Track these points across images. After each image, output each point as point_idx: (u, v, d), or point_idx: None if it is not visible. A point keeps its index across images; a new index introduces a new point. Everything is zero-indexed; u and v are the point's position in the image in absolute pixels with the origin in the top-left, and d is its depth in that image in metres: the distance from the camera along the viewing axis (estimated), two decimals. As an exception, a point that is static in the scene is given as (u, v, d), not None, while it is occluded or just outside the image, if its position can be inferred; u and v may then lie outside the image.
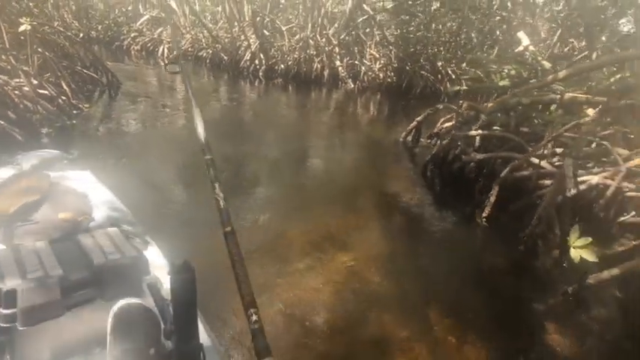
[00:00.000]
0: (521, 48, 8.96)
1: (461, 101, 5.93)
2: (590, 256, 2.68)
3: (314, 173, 5.93)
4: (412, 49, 13.65)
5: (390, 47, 14.14)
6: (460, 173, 5.26)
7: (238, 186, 4.75)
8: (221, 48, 15.16)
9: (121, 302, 1.00)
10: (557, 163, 4.77)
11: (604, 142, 4.29)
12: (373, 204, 4.88)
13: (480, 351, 2.60)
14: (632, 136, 4.73)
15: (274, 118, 9.11)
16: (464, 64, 12.48)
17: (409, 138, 7.01)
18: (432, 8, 13.30)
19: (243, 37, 14.27)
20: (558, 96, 4.70)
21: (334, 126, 9.01)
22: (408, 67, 13.38)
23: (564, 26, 10.28)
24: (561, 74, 4.64)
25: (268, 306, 2.70)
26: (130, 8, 19.03)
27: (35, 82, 6.17)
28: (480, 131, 5.29)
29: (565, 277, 3.18)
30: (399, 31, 14.04)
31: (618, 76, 6.08)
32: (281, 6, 16.56)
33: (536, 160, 4.32)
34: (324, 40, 13.61)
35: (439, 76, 13.35)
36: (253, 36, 13.94)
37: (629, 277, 3.07)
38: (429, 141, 6.89)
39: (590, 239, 2.76)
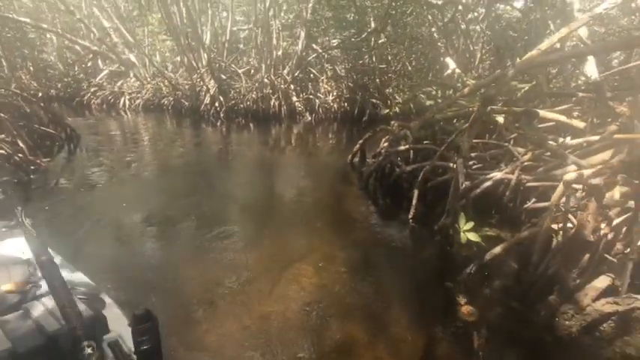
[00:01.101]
0: (449, 71, 10.11)
1: (392, 122, 6.65)
2: (474, 237, 3.21)
3: (274, 201, 6.31)
4: (362, 80, 14.79)
5: (342, 80, 15.27)
6: (395, 184, 5.86)
7: (210, 220, 5.05)
8: (182, 95, 15.80)
9: None
10: (474, 166, 5.47)
11: (505, 144, 5.01)
12: (324, 221, 5.32)
13: (412, 330, 3.03)
14: (534, 137, 5.54)
15: (238, 155, 9.59)
16: (389, 90, 13.63)
17: (355, 159, 7.64)
18: (379, 42, 14.63)
19: (202, 83, 14.99)
20: (466, 109, 5.46)
21: (294, 157, 9.59)
22: (358, 97, 14.43)
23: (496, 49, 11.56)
24: (465, 91, 5.43)
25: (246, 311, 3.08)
26: (89, 64, 19.54)
27: (-9, 142, 6.42)
28: (407, 146, 5.97)
29: (474, 257, 3.70)
30: (349, 64, 15.24)
31: (526, 87, 7.08)
32: (240, 50, 17.61)
33: (452, 165, 4.96)
34: (279, 79, 14.54)
35: (388, 101, 14.44)
36: (212, 81, 14.69)
37: (524, 251, 3.63)
38: (373, 160, 7.52)
39: (472, 223, 3.31)
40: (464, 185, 3.71)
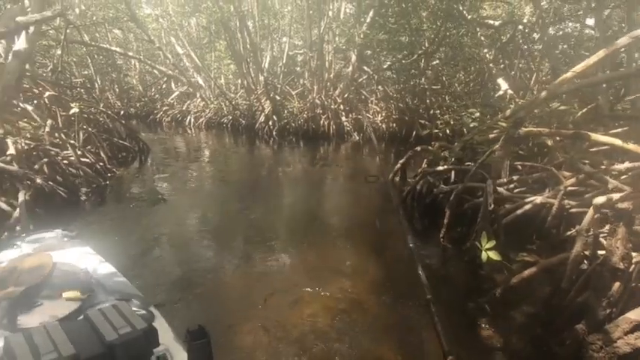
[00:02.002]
0: (501, 92, 9.84)
1: (433, 142, 6.67)
2: (495, 256, 3.15)
3: (317, 215, 6.51)
4: (412, 102, 14.79)
5: (391, 101, 15.41)
6: (433, 204, 5.84)
7: (257, 230, 5.45)
8: (240, 114, 17.05)
9: None
10: (515, 189, 5.30)
11: (549, 167, 4.82)
12: (360, 237, 5.44)
13: (431, 350, 3.05)
14: (586, 161, 5.25)
15: (287, 171, 10.16)
16: (437, 111, 13.39)
17: (396, 178, 7.71)
18: (433, 63, 14.59)
19: (258, 104, 16.09)
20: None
21: (338, 174, 9.88)
22: (407, 117, 14.44)
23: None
24: (507, 113, 5.36)
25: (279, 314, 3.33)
26: (164, 86, 21.98)
27: (80, 152, 7.58)
28: (446, 166, 5.94)
29: (503, 280, 3.60)
30: (401, 86, 15.36)
31: (583, 110, 6.71)
32: (296, 72, 18.65)
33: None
34: (329, 99, 15.10)
35: (436, 122, 14.24)
36: (267, 102, 15.70)
37: (558, 277, 3.48)
38: (413, 179, 7.54)
39: (494, 242, 3.24)
40: (492, 207, 3.67)
